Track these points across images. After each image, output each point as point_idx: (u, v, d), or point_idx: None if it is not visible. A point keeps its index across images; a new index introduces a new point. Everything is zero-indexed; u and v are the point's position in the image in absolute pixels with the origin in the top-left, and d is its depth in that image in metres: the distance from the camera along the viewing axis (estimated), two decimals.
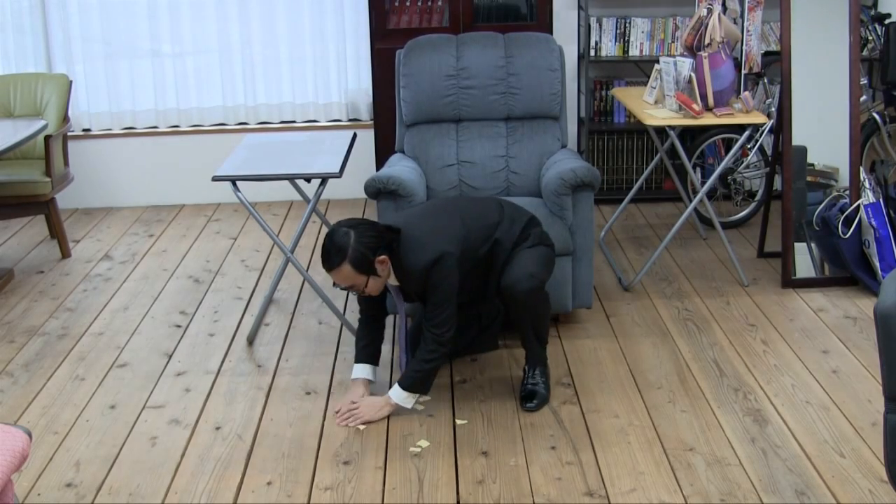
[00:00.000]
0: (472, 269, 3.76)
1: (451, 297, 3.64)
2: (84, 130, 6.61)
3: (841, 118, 4.90)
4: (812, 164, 4.98)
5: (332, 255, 3.56)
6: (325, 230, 5.78)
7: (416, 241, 3.64)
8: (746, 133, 4.89)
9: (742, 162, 5.69)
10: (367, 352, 3.85)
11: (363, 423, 3.66)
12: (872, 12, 5.77)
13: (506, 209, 3.88)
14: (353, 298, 4.86)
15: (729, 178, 5.72)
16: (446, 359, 3.83)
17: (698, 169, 5.83)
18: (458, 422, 3.67)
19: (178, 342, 4.46)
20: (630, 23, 6.18)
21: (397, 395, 3.67)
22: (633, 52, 6.23)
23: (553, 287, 4.25)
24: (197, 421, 3.74)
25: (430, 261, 3.58)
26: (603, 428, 3.60)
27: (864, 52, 5.68)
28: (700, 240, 5.64)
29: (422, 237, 3.66)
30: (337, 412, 3.73)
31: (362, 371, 3.83)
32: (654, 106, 5.00)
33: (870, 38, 5.72)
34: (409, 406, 3.69)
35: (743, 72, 4.89)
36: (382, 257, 3.60)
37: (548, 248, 3.88)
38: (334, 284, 3.69)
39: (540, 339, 3.83)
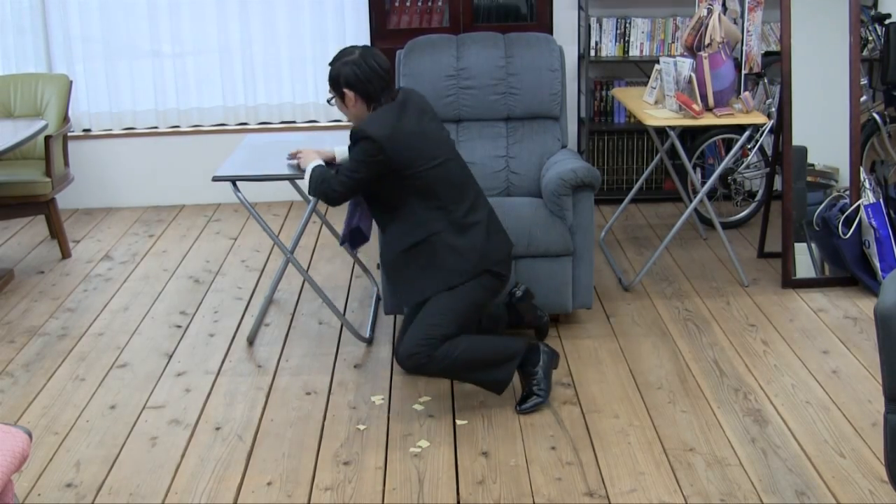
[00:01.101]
0: (398, 190, 3.67)
1: (353, 173, 3.65)
2: (84, 131, 6.61)
3: (841, 118, 4.90)
4: (812, 165, 4.98)
5: (335, 56, 3.78)
6: (325, 230, 5.78)
7: (385, 113, 3.66)
8: (746, 133, 4.89)
9: (742, 162, 5.69)
10: None
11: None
12: (872, 12, 5.77)
13: (486, 213, 3.74)
14: (353, 298, 4.87)
15: (729, 178, 5.72)
16: (327, 201, 3.82)
17: (698, 169, 5.83)
18: (458, 422, 3.67)
19: (179, 342, 4.46)
20: (630, 23, 6.18)
21: (315, 162, 3.90)
22: (634, 52, 6.23)
23: (553, 287, 4.26)
24: (197, 421, 3.74)
25: (360, 131, 3.60)
26: (603, 428, 3.60)
27: (864, 53, 5.68)
28: (700, 240, 5.64)
29: (390, 115, 3.65)
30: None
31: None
32: (654, 106, 5.00)
33: (870, 38, 5.72)
34: (307, 170, 3.90)
35: (743, 72, 4.89)
36: (350, 94, 3.68)
37: (464, 290, 3.63)
38: None
39: (488, 369, 3.68)
